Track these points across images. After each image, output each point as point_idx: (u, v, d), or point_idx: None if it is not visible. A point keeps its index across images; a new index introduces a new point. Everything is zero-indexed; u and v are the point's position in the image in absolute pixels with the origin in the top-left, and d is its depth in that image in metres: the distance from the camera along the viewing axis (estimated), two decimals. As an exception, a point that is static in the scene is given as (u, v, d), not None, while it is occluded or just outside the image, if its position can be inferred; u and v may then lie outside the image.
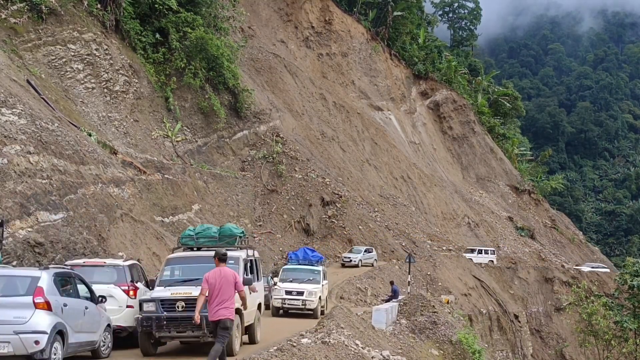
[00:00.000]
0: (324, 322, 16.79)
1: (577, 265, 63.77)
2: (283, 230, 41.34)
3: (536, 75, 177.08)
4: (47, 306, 11.57)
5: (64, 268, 13.72)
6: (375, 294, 34.97)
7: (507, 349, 47.02)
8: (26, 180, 20.21)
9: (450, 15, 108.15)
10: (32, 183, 20.39)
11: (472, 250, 52.98)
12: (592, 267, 63.69)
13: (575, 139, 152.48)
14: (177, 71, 38.85)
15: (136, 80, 35.64)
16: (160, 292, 13.98)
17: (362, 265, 40.57)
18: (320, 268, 27.56)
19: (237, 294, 11.70)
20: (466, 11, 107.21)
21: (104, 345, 13.76)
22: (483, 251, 53.06)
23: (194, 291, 13.26)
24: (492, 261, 53.07)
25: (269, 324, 20.26)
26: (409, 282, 35.45)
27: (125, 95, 34.48)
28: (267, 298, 27.27)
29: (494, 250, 54.10)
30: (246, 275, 14.92)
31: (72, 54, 31.33)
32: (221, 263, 11.76)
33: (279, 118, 48.85)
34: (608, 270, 63.60)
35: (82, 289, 13.27)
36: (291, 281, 26.09)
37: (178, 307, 13.50)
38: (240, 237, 16.54)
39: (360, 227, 44.51)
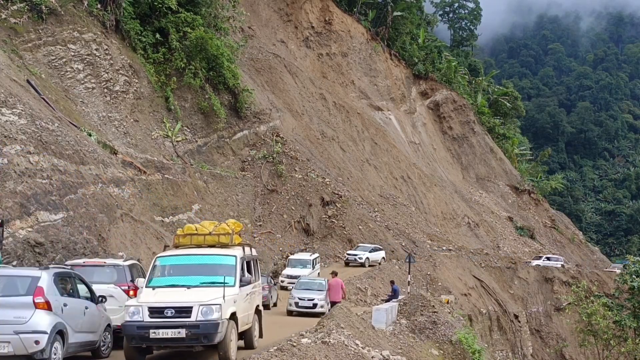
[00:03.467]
0: (324, 322, 16.81)
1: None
2: (283, 230, 41.33)
3: (536, 75, 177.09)
4: (47, 306, 11.58)
5: (64, 268, 13.73)
6: (375, 293, 34.96)
7: (507, 348, 47.01)
8: (26, 180, 20.21)
9: (450, 15, 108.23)
10: (32, 183, 20.39)
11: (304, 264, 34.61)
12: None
13: (575, 139, 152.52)
14: (177, 71, 38.85)
15: (136, 80, 35.65)
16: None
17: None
18: None
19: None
20: (466, 11, 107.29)
21: (104, 345, 13.78)
22: (313, 262, 35.18)
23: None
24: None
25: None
26: (409, 282, 35.44)
27: (125, 95, 34.49)
28: (268, 298, 27.35)
29: (316, 258, 36.12)
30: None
31: (72, 54, 31.34)
32: (335, 276, 24.38)
33: (279, 118, 48.85)
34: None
35: (82, 289, 13.28)
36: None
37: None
38: None
39: (360, 227, 44.50)
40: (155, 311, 12.62)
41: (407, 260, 35.22)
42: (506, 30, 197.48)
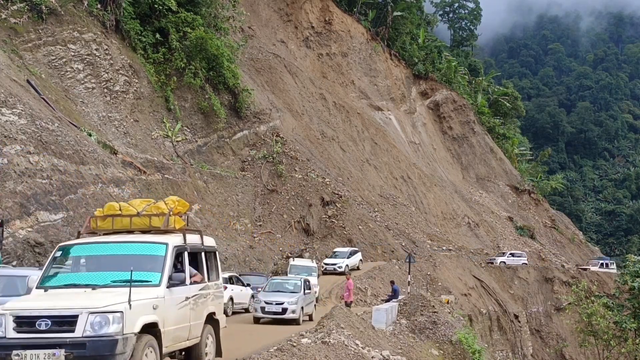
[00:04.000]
0: (324, 322, 16.81)
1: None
2: (283, 230, 41.32)
3: (536, 75, 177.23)
4: (47, 306, 11.51)
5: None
6: (375, 293, 34.96)
7: (507, 349, 47.02)
8: (26, 180, 20.22)
9: (450, 15, 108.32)
10: (32, 183, 20.40)
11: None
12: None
13: (575, 139, 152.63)
14: (177, 71, 38.86)
15: (136, 80, 35.65)
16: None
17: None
18: None
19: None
20: (466, 11, 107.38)
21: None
22: None
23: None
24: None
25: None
26: (409, 282, 35.43)
27: (125, 95, 34.49)
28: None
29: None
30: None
31: (72, 54, 31.35)
32: (349, 277, 27.88)
33: (279, 118, 48.86)
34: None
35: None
36: None
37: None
38: None
39: (360, 227, 44.50)
40: (24, 323, 8.75)
41: (407, 260, 35.20)
42: (506, 30, 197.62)
